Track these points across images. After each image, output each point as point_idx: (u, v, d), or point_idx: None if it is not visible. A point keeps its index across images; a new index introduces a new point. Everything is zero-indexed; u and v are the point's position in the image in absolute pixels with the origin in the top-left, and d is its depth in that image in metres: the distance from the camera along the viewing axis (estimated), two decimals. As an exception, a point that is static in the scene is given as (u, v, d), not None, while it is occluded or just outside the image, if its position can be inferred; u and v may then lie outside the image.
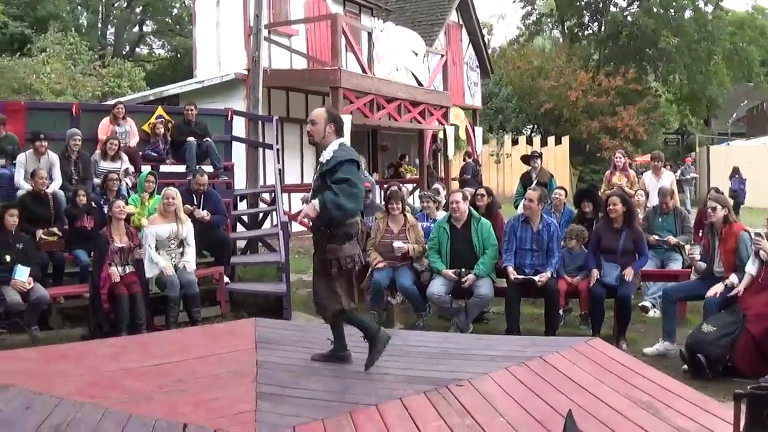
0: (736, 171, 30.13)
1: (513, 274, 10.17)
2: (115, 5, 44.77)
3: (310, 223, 6.74)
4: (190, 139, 14.62)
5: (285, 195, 17.43)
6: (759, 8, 56.14)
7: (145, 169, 13.50)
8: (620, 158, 15.18)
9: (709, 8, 45.82)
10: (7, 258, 10.16)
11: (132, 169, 13.59)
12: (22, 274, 10.06)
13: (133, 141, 14.53)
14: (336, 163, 6.59)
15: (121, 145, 13.73)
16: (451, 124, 23.13)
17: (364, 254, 8.48)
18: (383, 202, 12.66)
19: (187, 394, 6.08)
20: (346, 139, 16.48)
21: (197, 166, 13.90)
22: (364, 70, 18.95)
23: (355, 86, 17.96)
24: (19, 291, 9.99)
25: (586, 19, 51.29)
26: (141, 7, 45.48)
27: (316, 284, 6.96)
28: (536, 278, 10.02)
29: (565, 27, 52.03)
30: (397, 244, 10.86)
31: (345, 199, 6.45)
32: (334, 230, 6.67)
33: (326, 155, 6.71)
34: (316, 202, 6.51)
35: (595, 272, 10.02)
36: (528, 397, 5.94)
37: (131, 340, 8.69)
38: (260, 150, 17.70)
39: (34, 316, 10.34)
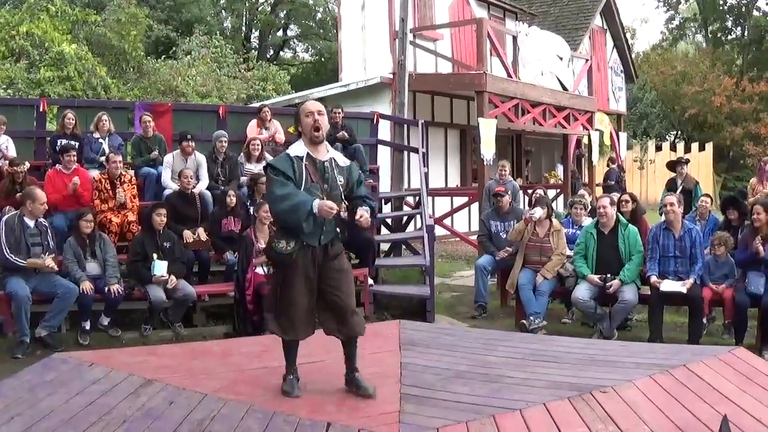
0: None
1: (656, 281, 10.14)
2: (259, 9, 45.45)
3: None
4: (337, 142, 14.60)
5: (430, 198, 17.38)
6: None
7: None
8: (766, 165, 14.69)
9: None
10: (155, 256, 10.38)
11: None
12: (160, 268, 10.29)
13: (279, 141, 14.58)
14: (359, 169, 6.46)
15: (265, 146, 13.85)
16: (596, 130, 22.85)
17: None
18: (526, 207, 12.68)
19: (331, 394, 6.10)
20: (492, 144, 16.61)
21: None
22: (509, 75, 18.80)
23: (501, 90, 17.89)
24: (160, 285, 10.27)
25: (730, 23, 50.50)
26: (285, 12, 46.09)
27: (348, 287, 6.60)
28: (679, 284, 9.97)
29: (709, 31, 51.13)
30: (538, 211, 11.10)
31: None
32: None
33: (344, 160, 6.38)
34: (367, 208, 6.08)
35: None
36: (672, 405, 5.87)
37: (276, 339, 8.73)
38: (405, 153, 17.72)
39: (178, 313, 10.61)
